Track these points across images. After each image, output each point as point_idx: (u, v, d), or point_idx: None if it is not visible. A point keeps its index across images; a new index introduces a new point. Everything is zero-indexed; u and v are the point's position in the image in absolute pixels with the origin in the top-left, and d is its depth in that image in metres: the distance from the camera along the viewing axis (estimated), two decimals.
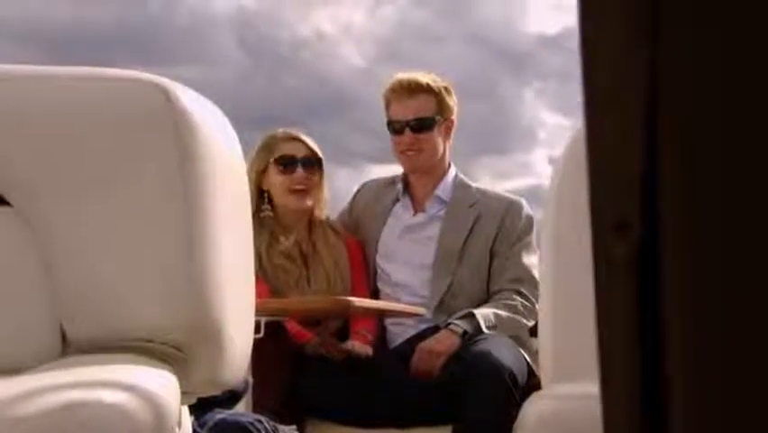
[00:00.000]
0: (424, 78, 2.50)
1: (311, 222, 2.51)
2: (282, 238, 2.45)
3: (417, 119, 2.47)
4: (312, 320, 2.41)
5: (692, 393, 0.36)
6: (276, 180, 2.46)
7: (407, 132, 2.47)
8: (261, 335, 1.96)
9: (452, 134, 2.56)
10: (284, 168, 2.45)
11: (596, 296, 0.41)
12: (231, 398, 1.65)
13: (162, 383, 0.92)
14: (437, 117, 2.48)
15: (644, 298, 0.38)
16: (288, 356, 2.30)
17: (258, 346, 1.41)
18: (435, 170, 2.54)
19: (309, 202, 2.48)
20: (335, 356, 2.33)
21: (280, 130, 2.53)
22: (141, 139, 1.01)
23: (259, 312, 1.86)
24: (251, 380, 2.00)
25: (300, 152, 2.48)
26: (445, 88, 2.51)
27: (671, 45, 0.35)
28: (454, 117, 2.53)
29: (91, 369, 0.88)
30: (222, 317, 1.02)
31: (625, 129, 0.38)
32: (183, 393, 0.97)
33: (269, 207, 2.46)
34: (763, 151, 0.35)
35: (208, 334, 1.01)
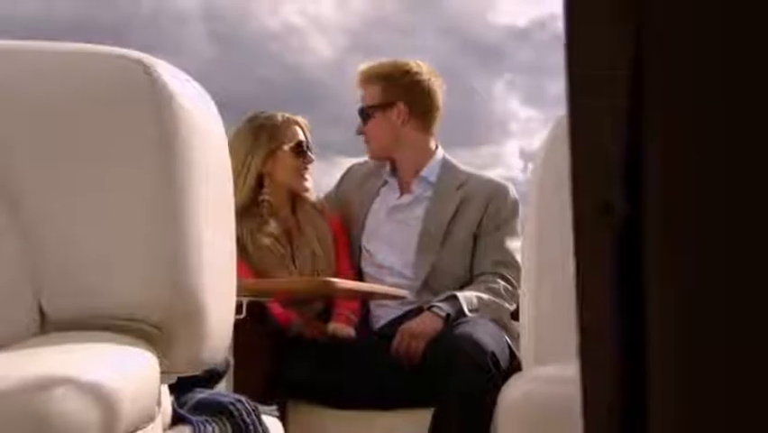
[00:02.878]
0: (378, 65, 2.52)
1: (295, 201, 2.52)
2: (271, 220, 2.46)
3: (360, 110, 2.53)
4: (295, 301, 2.41)
5: (674, 374, 0.37)
6: (289, 164, 2.47)
7: (360, 122, 2.52)
8: (243, 315, 1.95)
9: (423, 114, 2.53)
10: (298, 152, 2.47)
11: (577, 278, 0.41)
12: (211, 378, 1.65)
13: (142, 362, 0.92)
14: (377, 105, 2.49)
15: (627, 279, 0.38)
16: (269, 337, 2.30)
17: (239, 327, 1.41)
18: (402, 154, 2.54)
19: (311, 184, 2.51)
20: (317, 338, 2.34)
21: (279, 115, 2.52)
22: (122, 114, 1.00)
23: (241, 293, 1.86)
24: (231, 360, 1.99)
25: (303, 136, 2.50)
26: (404, 72, 2.49)
27: (653, 27, 0.35)
28: (414, 98, 2.50)
29: (69, 347, 0.87)
30: (202, 296, 1.01)
31: (607, 112, 0.37)
32: (163, 373, 0.96)
33: (267, 190, 2.47)
34: (743, 133, 0.35)
35: (188, 313, 1.01)
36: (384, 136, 2.52)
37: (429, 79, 2.53)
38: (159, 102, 0.99)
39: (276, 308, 2.37)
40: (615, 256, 0.39)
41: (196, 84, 1.09)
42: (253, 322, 2.11)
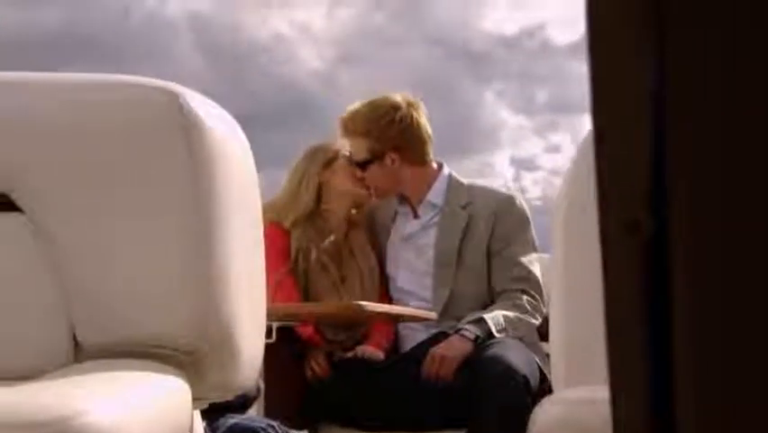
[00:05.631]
0: (357, 117, 2.49)
1: (349, 226, 2.54)
2: (328, 235, 2.49)
3: (356, 162, 2.52)
4: (333, 326, 2.43)
5: (703, 395, 0.36)
6: (347, 172, 2.52)
7: (355, 167, 2.52)
8: (273, 339, 1.96)
9: (416, 151, 2.49)
10: (349, 161, 2.53)
11: (605, 297, 0.40)
12: (243, 403, 1.65)
13: (173, 389, 0.92)
14: (371, 157, 2.48)
15: (656, 297, 0.38)
16: (299, 362, 2.31)
17: (270, 351, 1.41)
18: (406, 188, 2.53)
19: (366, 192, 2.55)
20: (342, 358, 2.36)
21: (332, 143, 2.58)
22: (151, 144, 1.01)
23: (270, 317, 1.86)
24: (262, 385, 2.00)
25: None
26: (387, 124, 2.46)
27: (677, 46, 0.35)
28: (403, 143, 2.47)
29: (102, 375, 0.88)
30: (233, 322, 1.02)
31: (632, 133, 0.37)
32: (195, 399, 0.97)
33: (327, 200, 2.51)
34: (766, 150, 0.34)
35: (219, 339, 1.01)
36: (384, 182, 2.52)
37: (411, 117, 2.49)
38: (187, 131, 1.01)
39: (306, 332, 2.38)
40: (643, 272, 0.38)
41: (219, 108, 1.10)
42: (283, 346, 2.11)
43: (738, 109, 0.35)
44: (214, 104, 1.08)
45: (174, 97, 1.02)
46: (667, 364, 0.37)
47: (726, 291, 0.35)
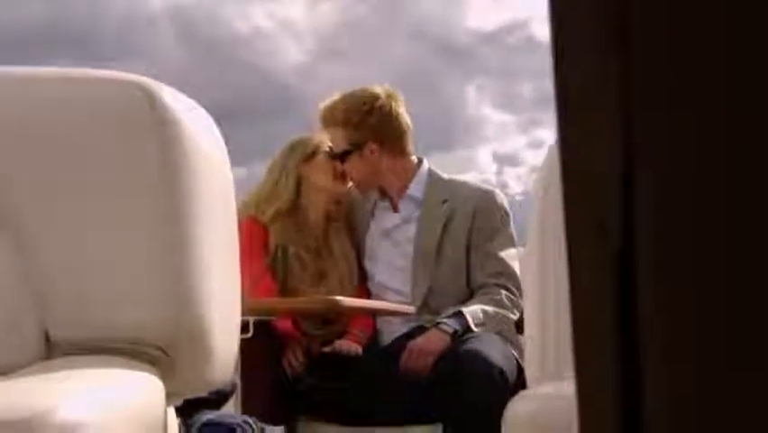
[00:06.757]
0: (336, 107, 2.49)
1: (329, 219, 2.54)
2: (307, 231, 2.49)
3: (332, 153, 2.52)
4: (312, 321, 2.42)
5: (669, 393, 0.36)
6: (327, 166, 2.51)
7: (336, 161, 2.52)
8: (250, 334, 1.95)
9: (396, 142, 2.50)
10: (334, 155, 2.52)
11: (571, 298, 0.40)
12: (218, 399, 1.64)
13: (146, 385, 0.91)
14: (350, 147, 2.48)
15: (622, 299, 0.38)
16: (276, 356, 2.30)
17: (247, 346, 1.41)
18: (386, 180, 2.53)
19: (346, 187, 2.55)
20: (322, 352, 2.36)
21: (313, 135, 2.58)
22: (123, 140, 1.00)
23: (248, 312, 1.86)
24: (238, 380, 1.99)
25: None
26: (365, 113, 2.47)
27: (643, 45, 0.35)
28: (382, 133, 2.47)
29: (74, 372, 0.87)
30: (207, 317, 1.01)
31: (599, 130, 0.37)
32: (169, 394, 0.96)
33: (306, 195, 2.51)
34: (740, 150, 0.34)
35: (193, 334, 1.00)
36: (364, 173, 2.52)
37: (390, 106, 2.50)
38: (161, 127, 1.00)
39: (283, 326, 2.38)
40: (610, 275, 0.38)
41: (192, 102, 1.09)
42: (260, 341, 2.11)
43: (711, 109, 0.35)
44: (187, 99, 1.07)
45: (147, 92, 1.01)
46: (635, 361, 0.37)
47: (699, 289, 0.35)
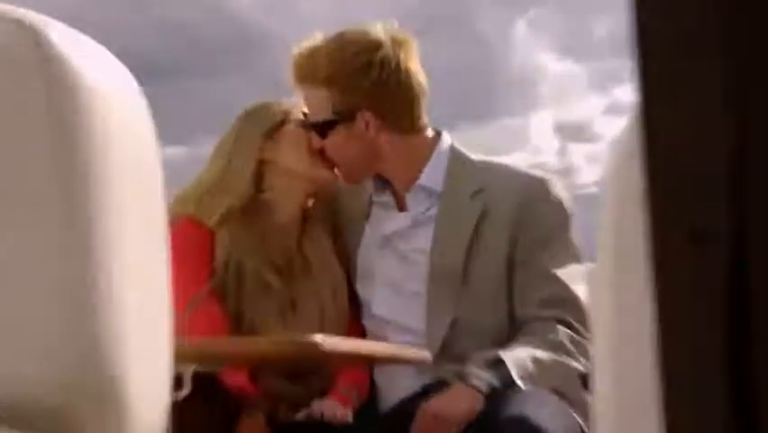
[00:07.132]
0: (317, 56, 2.49)
1: (305, 221, 2.54)
2: (272, 238, 2.48)
3: (313, 124, 2.52)
4: (279, 371, 2.43)
5: None
6: (300, 142, 2.55)
7: (312, 133, 2.51)
8: (186, 392, 1.96)
9: (401, 111, 2.51)
10: (309, 125, 2.55)
11: (659, 336, 0.41)
12: None
13: None
14: (335, 117, 2.47)
15: (732, 335, 0.38)
16: (225, 426, 2.32)
17: (180, 410, 1.42)
18: (386, 166, 2.52)
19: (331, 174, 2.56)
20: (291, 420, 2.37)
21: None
22: (3, 101, 1.01)
23: (182, 358, 1.86)
24: None
25: None
26: (358, 69, 2.46)
27: None
28: (383, 99, 2.49)
29: None
30: (121, 368, 1.02)
31: (700, 116, 0.38)
32: None
33: (270, 186, 2.51)
34: None
35: (102, 394, 1.02)
36: (353, 155, 2.50)
37: (397, 60, 2.48)
38: (53, 84, 1.00)
39: (236, 381, 2.39)
40: (714, 298, 0.39)
41: (99, 47, 1.10)
42: (202, 402, 2.12)
43: None
44: (87, 39, 1.08)
45: (35, 35, 1.02)
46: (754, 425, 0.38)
47: None
